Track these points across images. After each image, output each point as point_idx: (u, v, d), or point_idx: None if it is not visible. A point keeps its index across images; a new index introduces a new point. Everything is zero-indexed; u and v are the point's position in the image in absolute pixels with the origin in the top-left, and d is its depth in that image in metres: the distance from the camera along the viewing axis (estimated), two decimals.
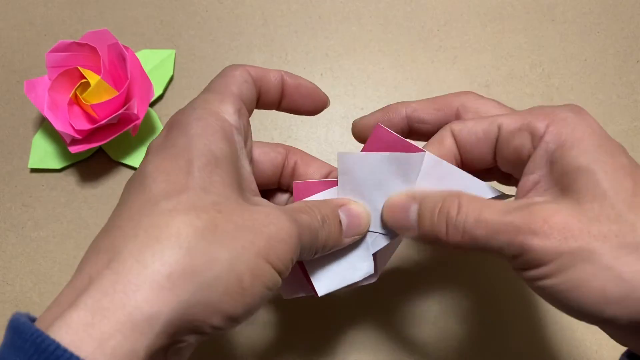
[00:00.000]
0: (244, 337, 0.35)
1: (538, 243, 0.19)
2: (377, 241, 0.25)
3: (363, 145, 0.26)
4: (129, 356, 0.16)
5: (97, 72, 0.37)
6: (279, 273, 0.20)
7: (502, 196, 0.24)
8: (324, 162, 0.28)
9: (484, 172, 0.26)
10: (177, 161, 0.20)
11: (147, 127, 0.39)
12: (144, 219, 0.18)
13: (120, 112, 0.36)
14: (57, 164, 0.39)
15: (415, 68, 0.41)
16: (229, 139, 0.21)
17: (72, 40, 0.37)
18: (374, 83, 0.41)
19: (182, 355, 0.20)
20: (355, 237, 0.25)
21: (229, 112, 0.22)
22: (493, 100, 0.25)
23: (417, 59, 0.41)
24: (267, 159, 0.27)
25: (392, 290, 0.35)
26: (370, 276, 0.26)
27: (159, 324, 0.17)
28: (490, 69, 0.41)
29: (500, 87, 0.40)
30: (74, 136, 0.36)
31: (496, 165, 0.24)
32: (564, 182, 0.21)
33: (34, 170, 0.39)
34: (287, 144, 0.29)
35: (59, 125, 0.36)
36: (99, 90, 0.36)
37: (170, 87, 0.41)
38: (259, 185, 0.27)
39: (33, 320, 0.17)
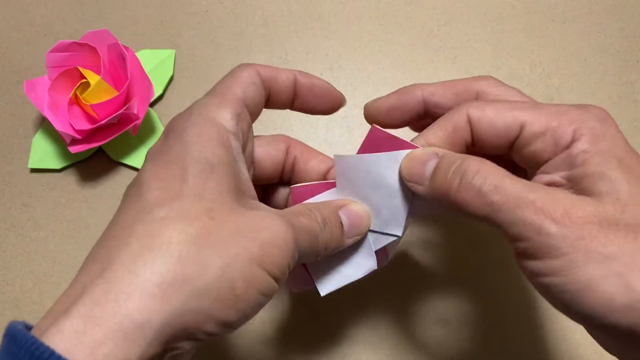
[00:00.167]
0: (240, 337, 0.35)
1: (556, 231, 0.19)
2: (378, 240, 0.25)
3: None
4: None
5: (97, 72, 0.37)
6: (275, 279, 0.19)
7: None
8: (324, 156, 0.28)
9: (490, 158, 0.25)
10: (172, 168, 0.20)
11: (147, 127, 0.39)
12: (138, 227, 0.18)
13: (120, 112, 0.36)
14: (57, 164, 0.39)
15: (415, 68, 0.41)
16: (225, 145, 0.21)
17: (72, 40, 0.37)
18: (374, 83, 0.41)
19: None
20: (357, 237, 0.25)
21: (226, 117, 0.22)
22: (513, 88, 0.25)
23: (417, 59, 0.41)
24: (268, 158, 0.27)
25: (392, 289, 0.35)
26: (383, 262, 0.26)
27: (150, 332, 0.17)
28: (490, 69, 0.41)
29: None
30: (74, 136, 0.36)
31: (506, 155, 0.24)
32: (584, 184, 0.20)
33: (34, 170, 0.39)
34: None
35: (59, 125, 0.36)
36: (99, 90, 0.36)
37: (170, 87, 0.41)
38: (260, 181, 0.27)
39: (30, 328, 0.17)
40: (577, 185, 0.21)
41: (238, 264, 0.18)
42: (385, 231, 0.25)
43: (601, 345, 0.21)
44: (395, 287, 0.35)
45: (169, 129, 0.22)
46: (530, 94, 0.40)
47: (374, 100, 0.27)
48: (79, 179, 0.39)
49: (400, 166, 0.23)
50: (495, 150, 0.23)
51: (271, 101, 0.26)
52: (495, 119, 0.22)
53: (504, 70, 0.40)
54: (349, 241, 0.24)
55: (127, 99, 0.37)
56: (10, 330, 0.17)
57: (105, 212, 0.38)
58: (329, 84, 0.26)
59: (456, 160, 0.21)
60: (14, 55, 0.42)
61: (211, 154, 0.20)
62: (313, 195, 0.26)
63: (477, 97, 0.24)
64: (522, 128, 0.22)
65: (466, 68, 0.41)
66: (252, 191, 0.23)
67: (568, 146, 0.21)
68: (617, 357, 0.21)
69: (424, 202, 0.24)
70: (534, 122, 0.22)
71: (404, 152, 0.23)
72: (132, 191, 0.20)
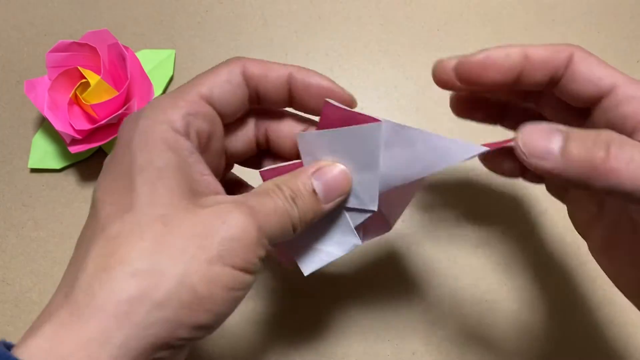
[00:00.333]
0: (233, 334, 0.35)
1: None
2: (354, 217, 0.25)
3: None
4: None
5: (97, 72, 0.37)
6: (246, 270, 0.19)
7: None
8: (293, 119, 0.26)
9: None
10: (122, 180, 0.20)
11: None
12: (93, 249, 0.18)
13: (120, 112, 0.36)
14: (57, 164, 0.39)
15: (415, 68, 0.41)
16: (173, 147, 0.21)
17: (72, 40, 0.37)
18: (374, 83, 0.41)
19: None
20: (340, 198, 0.23)
21: (174, 118, 0.21)
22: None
23: (417, 59, 0.41)
24: (239, 144, 0.26)
25: (386, 284, 0.35)
26: (384, 229, 0.25)
27: (115, 349, 0.17)
28: None
29: None
30: (74, 136, 0.36)
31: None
32: None
33: (34, 170, 0.39)
34: None
35: (59, 125, 0.36)
36: (99, 90, 0.36)
37: (170, 87, 0.41)
38: (239, 162, 0.26)
39: (9, 347, 0.18)
40: None
41: (196, 267, 0.18)
42: (359, 207, 0.24)
43: None
44: (389, 283, 0.35)
45: (119, 136, 0.22)
46: None
47: (448, 59, 0.24)
48: (79, 179, 0.39)
49: (519, 142, 0.21)
50: (579, 99, 0.23)
51: (262, 100, 0.25)
52: (597, 67, 0.22)
53: None
54: (329, 205, 0.23)
55: (127, 99, 0.37)
56: None
57: None
58: (333, 82, 0.25)
59: (590, 133, 0.20)
60: (14, 55, 0.42)
61: (157, 158, 0.20)
62: (281, 174, 0.24)
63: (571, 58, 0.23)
64: (614, 88, 0.22)
65: None
66: (214, 187, 0.22)
67: None
68: None
69: (391, 174, 0.23)
70: (627, 85, 0.22)
71: (366, 127, 0.22)
72: (90, 211, 0.20)
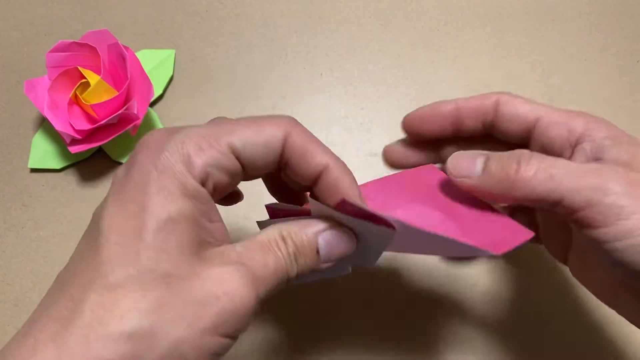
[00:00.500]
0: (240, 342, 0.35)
1: (623, 190, 0.20)
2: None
3: (404, 137, 0.29)
4: None
5: (97, 72, 0.37)
6: (233, 337, 0.20)
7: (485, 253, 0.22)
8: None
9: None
10: (132, 220, 0.19)
11: (147, 127, 0.39)
12: (91, 295, 0.18)
13: (120, 112, 0.36)
14: (57, 164, 0.39)
15: (415, 68, 0.41)
16: (190, 194, 0.20)
17: (72, 40, 0.37)
18: (374, 83, 0.41)
19: None
20: (338, 260, 0.23)
21: (197, 164, 0.20)
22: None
23: (417, 59, 0.41)
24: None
25: (387, 287, 0.35)
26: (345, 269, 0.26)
27: None
28: (490, 69, 0.41)
29: (500, 87, 0.40)
30: (73, 136, 0.36)
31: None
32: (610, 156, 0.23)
33: (34, 170, 0.39)
34: None
35: (58, 125, 0.36)
36: (99, 90, 0.36)
37: (170, 87, 0.41)
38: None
39: None
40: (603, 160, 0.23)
41: (191, 336, 0.18)
42: (357, 264, 0.25)
43: None
44: (390, 285, 0.35)
45: (137, 152, 0.21)
46: (531, 94, 0.40)
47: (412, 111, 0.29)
48: (79, 179, 0.39)
49: (447, 166, 0.25)
50: (511, 136, 0.26)
51: (286, 175, 0.24)
52: (521, 105, 0.26)
53: (504, 70, 0.40)
54: (325, 266, 0.23)
55: (127, 99, 0.37)
56: None
57: None
58: (359, 195, 0.23)
59: (506, 152, 0.23)
60: (14, 55, 0.42)
61: (172, 206, 0.20)
62: (288, 216, 0.24)
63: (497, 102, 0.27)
64: (538, 119, 0.25)
65: (466, 68, 0.41)
66: (221, 235, 0.22)
67: (581, 134, 0.24)
68: None
69: (395, 247, 0.23)
70: (549, 114, 0.25)
71: (382, 229, 0.21)
72: (92, 237, 0.20)
